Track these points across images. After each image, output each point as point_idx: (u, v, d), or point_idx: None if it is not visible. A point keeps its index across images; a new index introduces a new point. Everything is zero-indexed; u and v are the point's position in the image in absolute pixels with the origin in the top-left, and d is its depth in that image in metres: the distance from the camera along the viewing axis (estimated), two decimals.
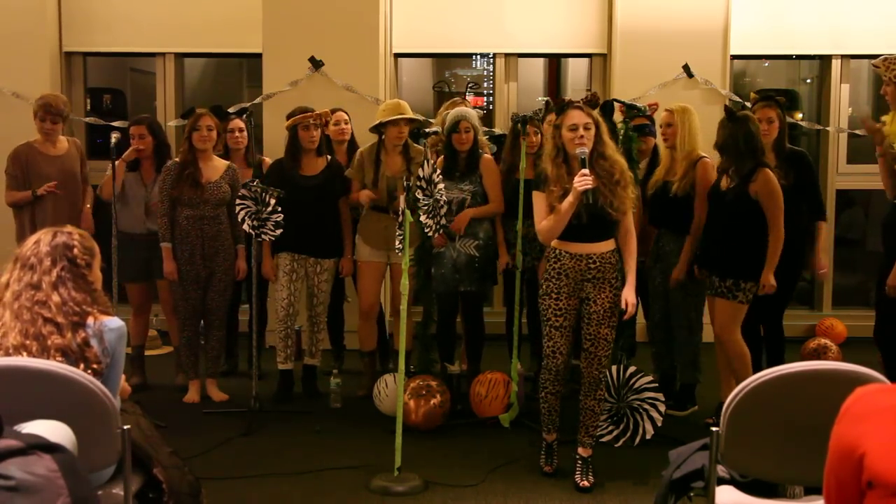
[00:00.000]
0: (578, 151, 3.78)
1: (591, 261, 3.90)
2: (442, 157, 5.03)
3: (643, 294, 5.23)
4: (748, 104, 5.04)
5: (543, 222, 3.92)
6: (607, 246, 3.93)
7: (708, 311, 4.76)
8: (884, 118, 4.45)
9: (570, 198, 3.76)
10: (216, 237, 5.12)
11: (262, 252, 5.16)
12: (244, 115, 5.72)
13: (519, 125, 4.94)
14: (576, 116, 3.84)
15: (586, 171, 3.73)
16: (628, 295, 3.88)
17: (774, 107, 4.77)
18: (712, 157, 4.82)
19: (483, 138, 5.26)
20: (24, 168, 5.26)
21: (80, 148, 5.57)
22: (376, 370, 5.44)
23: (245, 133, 5.65)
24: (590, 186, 3.71)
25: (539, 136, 5.01)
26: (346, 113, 5.72)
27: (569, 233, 3.90)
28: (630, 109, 5.02)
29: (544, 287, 3.99)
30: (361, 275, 5.26)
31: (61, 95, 5.66)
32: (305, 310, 5.33)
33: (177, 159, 5.14)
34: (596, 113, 3.92)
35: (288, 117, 5.23)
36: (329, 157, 5.31)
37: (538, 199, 3.96)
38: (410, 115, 5.05)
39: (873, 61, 4.41)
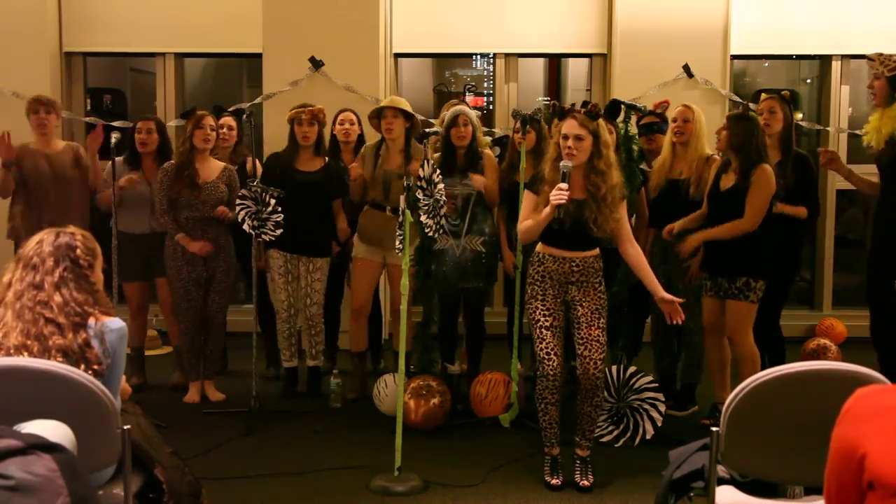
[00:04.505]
0: (562, 164, 3.77)
1: (573, 264, 3.91)
2: (438, 154, 5.01)
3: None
4: (751, 105, 5.07)
5: (525, 222, 3.94)
6: (590, 253, 3.94)
7: (705, 313, 4.74)
8: (870, 118, 4.48)
9: (547, 208, 3.77)
10: (215, 239, 5.12)
11: (261, 252, 5.17)
12: (244, 116, 5.70)
13: (519, 123, 4.94)
14: (569, 126, 3.82)
15: (564, 185, 3.71)
16: (664, 295, 3.85)
17: (778, 99, 4.79)
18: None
19: (483, 138, 5.25)
20: (19, 161, 5.24)
21: (78, 151, 5.47)
22: (366, 371, 5.46)
23: (234, 132, 5.65)
24: (563, 202, 3.70)
25: (530, 133, 4.98)
26: (354, 114, 5.62)
27: (551, 238, 3.91)
28: (630, 109, 5.02)
29: (529, 291, 3.99)
30: (356, 272, 5.28)
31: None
32: (301, 311, 5.34)
33: (173, 161, 5.13)
34: (597, 124, 3.85)
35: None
36: (327, 158, 5.31)
37: (527, 198, 3.99)
38: (401, 105, 5.01)
39: (869, 54, 4.43)
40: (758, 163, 4.42)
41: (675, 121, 4.92)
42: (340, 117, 5.61)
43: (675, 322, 3.85)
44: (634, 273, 4.09)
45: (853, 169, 4.91)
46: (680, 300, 3.86)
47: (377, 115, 5.07)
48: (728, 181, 4.52)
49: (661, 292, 3.88)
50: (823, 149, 4.80)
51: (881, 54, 4.36)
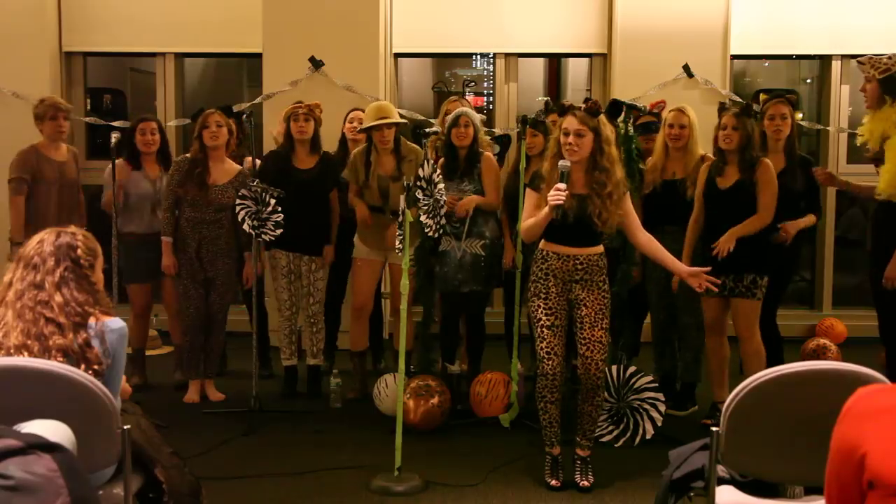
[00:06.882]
0: (560, 164, 3.76)
1: (577, 261, 3.89)
2: (442, 159, 5.02)
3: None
4: (754, 105, 5.06)
5: (527, 221, 3.94)
6: (594, 250, 3.93)
7: (707, 312, 4.74)
8: (864, 120, 4.49)
9: (545, 209, 3.77)
10: (215, 241, 5.11)
11: (261, 253, 5.17)
12: (244, 116, 5.69)
13: (519, 126, 4.94)
14: (569, 122, 3.82)
15: (562, 186, 3.70)
16: (688, 269, 3.94)
17: (786, 104, 4.81)
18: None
19: (485, 138, 5.25)
20: (33, 172, 5.20)
21: (77, 158, 5.52)
22: (366, 371, 5.45)
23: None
24: (560, 202, 3.69)
25: (538, 137, 4.99)
26: (363, 112, 5.57)
27: (555, 235, 3.90)
28: (630, 109, 5.02)
29: (532, 289, 3.98)
30: (357, 272, 5.27)
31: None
32: (302, 309, 5.34)
33: (188, 155, 5.13)
34: (598, 121, 3.84)
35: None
36: (322, 152, 5.32)
37: (529, 196, 3.99)
38: (392, 118, 4.99)
39: (858, 59, 4.44)
40: (758, 158, 4.44)
41: (671, 126, 4.91)
42: (351, 116, 5.63)
43: (704, 288, 3.90)
44: (651, 259, 4.16)
45: (852, 169, 4.91)
46: (706, 269, 3.92)
47: (369, 129, 5.01)
48: (726, 180, 4.52)
49: (683, 269, 3.95)
50: (820, 169, 4.81)
51: (871, 57, 4.37)
